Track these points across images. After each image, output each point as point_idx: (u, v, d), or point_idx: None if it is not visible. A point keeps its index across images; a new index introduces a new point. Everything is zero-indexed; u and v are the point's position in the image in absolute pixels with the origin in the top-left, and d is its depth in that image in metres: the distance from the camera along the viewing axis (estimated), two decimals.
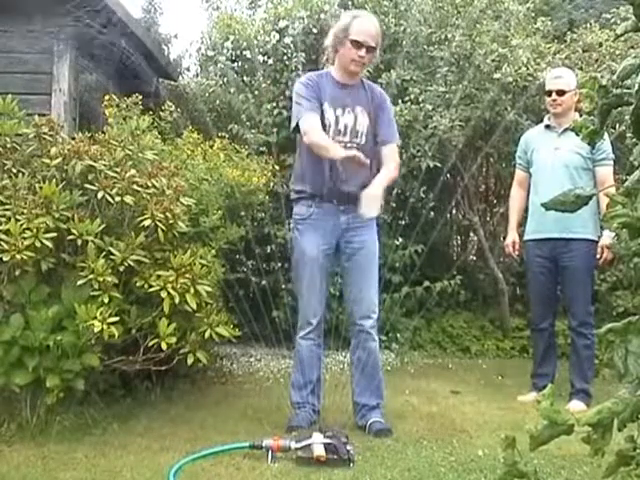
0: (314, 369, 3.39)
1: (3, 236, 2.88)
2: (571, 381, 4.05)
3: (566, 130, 4.03)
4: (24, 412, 3.06)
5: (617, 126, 5.14)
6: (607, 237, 3.95)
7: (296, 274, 3.45)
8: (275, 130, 5.75)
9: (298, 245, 3.38)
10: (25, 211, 2.94)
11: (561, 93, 4.09)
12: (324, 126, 3.30)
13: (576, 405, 3.85)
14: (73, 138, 3.42)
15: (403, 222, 5.53)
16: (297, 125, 3.31)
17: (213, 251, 3.49)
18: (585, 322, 4.02)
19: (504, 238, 4.64)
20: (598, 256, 4.00)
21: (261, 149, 5.62)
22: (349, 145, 3.29)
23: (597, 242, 4.01)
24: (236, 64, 6.34)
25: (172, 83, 6.84)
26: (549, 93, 4.15)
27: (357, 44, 3.29)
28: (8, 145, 3.24)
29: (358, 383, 3.38)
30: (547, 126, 4.23)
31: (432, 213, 6.00)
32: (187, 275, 3.09)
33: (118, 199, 3.06)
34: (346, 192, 3.28)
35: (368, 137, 3.36)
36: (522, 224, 4.41)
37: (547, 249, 4.10)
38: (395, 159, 3.44)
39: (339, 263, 3.44)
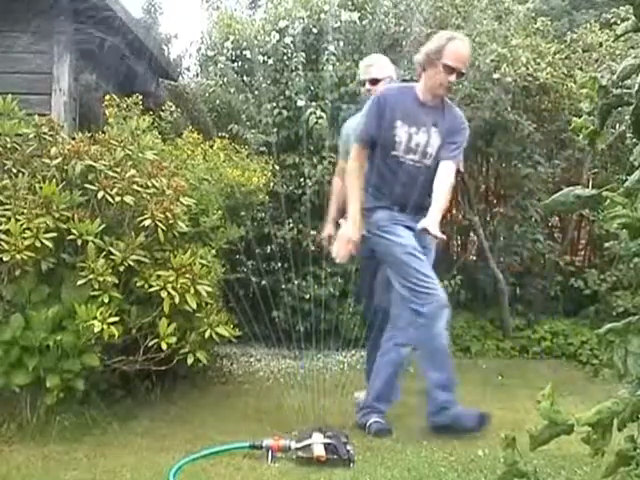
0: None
1: (3, 236, 2.89)
2: None
3: None
4: (24, 412, 3.07)
5: (617, 126, 5.14)
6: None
7: (396, 271, 3.30)
8: (275, 130, 5.74)
9: (390, 241, 3.30)
10: (25, 211, 2.95)
11: (374, 82, 3.84)
12: (394, 144, 3.30)
13: None
14: (73, 138, 3.42)
15: None
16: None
17: (213, 251, 3.49)
18: None
19: (504, 238, 4.63)
20: None
21: (261, 149, 5.61)
22: (418, 164, 3.32)
23: None
24: (236, 64, 6.32)
25: (172, 83, 6.83)
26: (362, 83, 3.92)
27: (449, 69, 3.25)
28: (8, 145, 3.25)
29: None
30: None
31: None
32: (187, 275, 3.09)
33: (118, 199, 3.06)
34: (416, 204, 3.27)
35: (436, 160, 3.32)
36: None
37: None
38: (447, 180, 3.29)
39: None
